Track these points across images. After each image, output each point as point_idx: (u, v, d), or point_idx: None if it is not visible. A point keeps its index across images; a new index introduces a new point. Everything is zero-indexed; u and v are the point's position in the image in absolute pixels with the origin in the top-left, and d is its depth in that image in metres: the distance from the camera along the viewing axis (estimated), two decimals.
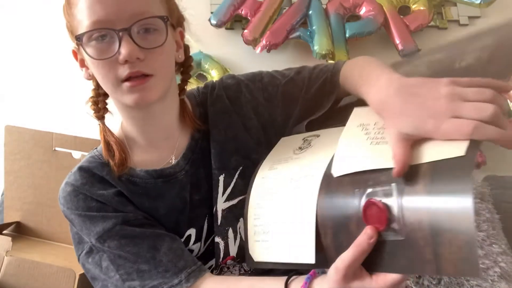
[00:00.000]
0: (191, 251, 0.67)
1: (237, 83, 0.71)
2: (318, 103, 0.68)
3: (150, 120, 0.63)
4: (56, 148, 1.13)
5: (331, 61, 1.52)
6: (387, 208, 0.41)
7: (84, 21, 0.53)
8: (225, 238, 0.66)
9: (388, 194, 0.42)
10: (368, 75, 0.55)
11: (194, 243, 0.67)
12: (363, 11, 1.57)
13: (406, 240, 0.40)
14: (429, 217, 0.38)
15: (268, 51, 1.51)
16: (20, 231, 1.14)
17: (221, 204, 0.66)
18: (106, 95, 0.65)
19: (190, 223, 0.66)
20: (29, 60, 1.60)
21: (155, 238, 0.60)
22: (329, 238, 0.48)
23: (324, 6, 1.58)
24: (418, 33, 1.59)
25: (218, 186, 0.66)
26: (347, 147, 0.51)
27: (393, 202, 0.41)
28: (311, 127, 0.68)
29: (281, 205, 0.55)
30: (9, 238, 0.93)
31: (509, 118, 1.49)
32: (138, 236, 0.60)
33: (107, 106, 0.66)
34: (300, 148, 0.61)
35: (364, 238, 0.42)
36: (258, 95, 0.69)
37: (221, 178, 0.66)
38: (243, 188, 0.65)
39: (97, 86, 0.65)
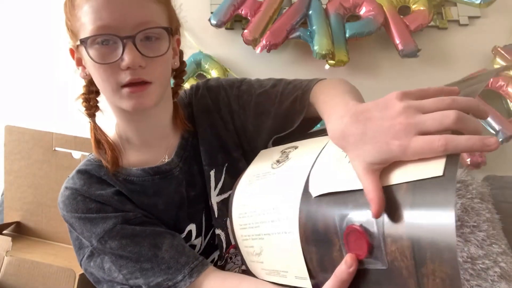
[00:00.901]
0: (194, 246, 0.68)
1: (218, 85, 0.73)
2: (290, 120, 0.66)
3: (144, 122, 0.65)
4: (56, 148, 1.13)
5: (331, 61, 1.52)
6: (368, 234, 0.38)
7: (88, 25, 0.54)
8: (224, 229, 0.68)
9: (368, 219, 0.38)
10: (328, 102, 0.54)
11: (195, 237, 0.68)
12: (363, 11, 1.57)
13: (389, 269, 0.37)
14: (412, 245, 0.35)
15: (268, 51, 1.51)
16: (20, 231, 1.14)
17: (215, 197, 0.68)
18: (97, 93, 0.66)
19: (189, 219, 0.68)
20: (29, 60, 1.61)
21: (155, 236, 0.61)
22: (315, 263, 0.46)
23: (324, 6, 1.58)
24: (418, 33, 1.59)
25: (210, 181, 0.68)
26: (324, 165, 0.48)
27: (373, 228, 0.38)
28: (279, 143, 0.66)
29: (265, 229, 0.53)
30: (9, 238, 0.93)
31: (509, 118, 1.50)
32: (138, 235, 0.60)
33: (98, 104, 0.67)
34: (278, 161, 0.58)
35: (344, 267, 0.39)
36: (233, 101, 0.71)
37: (212, 173, 0.69)
38: (230, 183, 0.67)
39: (89, 84, 0.65)
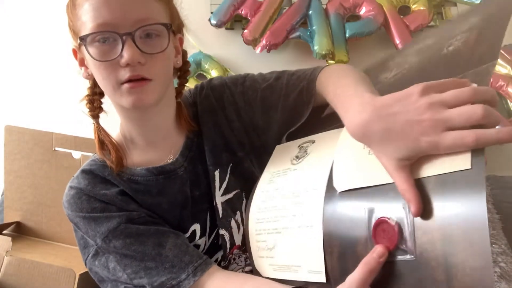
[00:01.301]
0: (198, 246, 0.67)
1: (222, 84, 0.73)
2: (299, 111, 0.67)
3: (148, 121, 0.65)
4: (56, 148, 1.13)
5: (331, 61, 1.52)
6: (398, 226, 0.40)
7: (88, 23, 0.54)
8: (228, 229, 0.68)
9: (398, 212, 0.40)
10: (341, 95, 0.52)
11: (199, 237, 0.68)
12: (363, 11, 1.57)
13: (417, 260, 0.38)
14: (442, 236, 0.36)
15: (268, 51, 1.51)
16: (20, 231, 1.14)
17: (219, 197, 0.68)
18: (101, 95, 0.66)
19: (193, 219, 0.68)
20: (29, 60, 1.61)
21: (159, 235, 0.61)
22: (335, 257, 0.46)
23: (324, 6, 1.58)
24: (418, 33, 1.59)
25: (215, 181, 0.68)
26: (345, 158, 0.49)
27: (404, 220, 0.39)
28: (294, 136, 0.67)
29: (285, 223, 0.54)
30: (9, 238, 0.93)
31: (509, 118, 1.50)
32: (143, 234, 0.60)
33: (102, 106, 0.68)
34: (297, 157, 0.59)
35: (374, 256, 0.40)
36: (238, 98, 0.71)
37: (217, 173, 0.69)
38: (235, 183, 0.68)
39: (93, 85, 0.66)
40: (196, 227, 0.67)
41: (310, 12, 1.56)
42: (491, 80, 1.51)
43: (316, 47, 1.49)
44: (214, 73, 1.55)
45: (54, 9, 1.65)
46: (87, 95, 0.67)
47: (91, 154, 1.11)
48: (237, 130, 0.71)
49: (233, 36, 1.62)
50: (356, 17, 1.60)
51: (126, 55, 0.53)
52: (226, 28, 1.61)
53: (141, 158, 0.67)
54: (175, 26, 0.63)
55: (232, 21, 1.59)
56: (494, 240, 1.15)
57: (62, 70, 1.59)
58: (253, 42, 1.52)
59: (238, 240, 0.68)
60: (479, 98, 0.37)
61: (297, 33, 1.54)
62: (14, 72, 1.60)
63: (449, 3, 1.66)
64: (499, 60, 1.56)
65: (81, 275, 0.86)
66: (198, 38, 1.57)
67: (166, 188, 0.66)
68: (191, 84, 1.55)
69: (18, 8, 1.66)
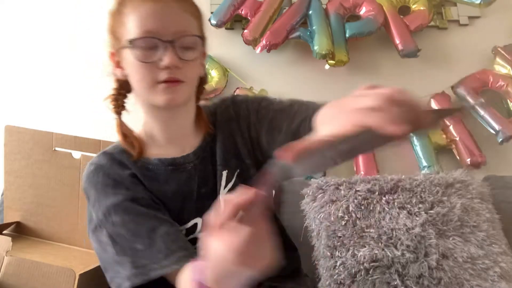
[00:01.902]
0: (196, 239, 0.71)
1: (242, 99, 0.81)
2: (300, 138, 0.68)
3: (171, 120, 0.72)
4: (56, 148, 1.13)
5: (331, 61, 1.52)
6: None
7: (135, 29, 0.64)
8: None
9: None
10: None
11: (200, 231, 0.72)
12: (363, 11, 1.57)
13: None
14: None
15: (268, 51, 1.51)
16: (20, 231, 1.13)
17: (224, 196, 0.69)
18: (125, 95, 0.75)
19: (197, 213, 0.72)
20: (29, 60, 1.61)
21: (155, 220, 0.65)
22: None
23: (324, 6, 1.58)
24: (418, 33, 1.59)
25: (222, 179, 0.74)
26: None
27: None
28: None
29: None
30: (9, 238, 0.93)
31: (509, 118, 1.50)
32: (141, 215, 0.64)
33: (124, 104, 0.76)
34: None
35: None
36: (252, 114, 0.77)
37: (224, 173, 0.74)
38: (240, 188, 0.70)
39: (119, 86, 0.74)
40: (199, 221, 0.72)
41: (310, 12, 1.56)
42: (491, 80, 1.52)
43: (316, 47, 1.49)
44: (214, 73, 1.55)
45: (54, 9, 1.65)
46: (113, 94, 0.75)
47: (91, 154, 1.12)
48: (246, 141, 0.78)
49: (233, 36, 1.62)
50: (356, 17, 1.60)
51: (166, 59, 0.62)
52: (226, 28, 1.61)
53: (157, 152, 0.74)
54: (203, 40, 0.71)
55: (232, 21, 1.59)
56: (494, 240, 1.16)
57: (62, 70, 1.59)
58: (253, 42, 1.52)
59: None
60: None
61: (297, 33, 1.54)
62: (14, 72, 1.60)
63: (449, 3, 1.66)
64: (499, 60, 1.56)
65: (81, 275, 0.86)
66: None
67: (172, 178, 0.72)
68: None
69: (18, 8, 1.66)
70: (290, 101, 0.76)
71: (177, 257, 0.60)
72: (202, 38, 0.69)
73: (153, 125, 0.74)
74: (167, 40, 0.63)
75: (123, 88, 0.74)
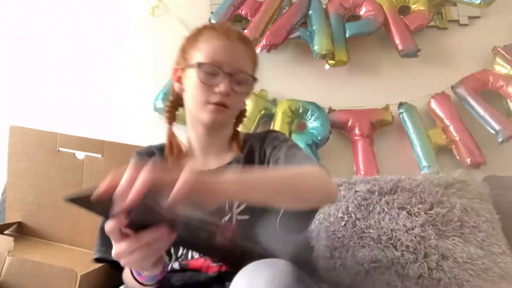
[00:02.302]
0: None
1: (274, 134, 0.88)
2: None
3: (209, 137, 0.83)
4: (60, 149, 1.13)
5: (331, 61, 1.52)
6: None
7: (205, 55, 0.77)
8: None
9: None
10: None
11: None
12: (363, 11, 1.58)
13: None
14: None
15: (268, 51, 1.51)
16: (21, 232, 1.13)
17: (236, 213, 0.77)
18: (177, 108, 0.88)
19: None
20: (34, 61, 1.61)
21: None
22: None
23: (324, 6, 1.59)
24: (418, 33, 1.59)
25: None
26: None
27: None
28: None
29: None
30: (11, 238, 0.93)
31: (509, 118, 1.50)
32: None
33: (176, 116, 0.88)
34: None
35: None
36: (271, 148, 0.83)
37: None
38: (248, 210, 0.77)
39: (175, 100, 0.87)
40: None
41: (310, 12, 1.56)
42: (491, 79, 1.52)
43: (316, 47, 1.49)
44: None
45: (58, 10, 1.65)
46: (168, 106, 0.88)
47: (94, 154, 1.12)
48: (261, 160, 0.84)
49: None
50: (356, 17, 1.60)
51: (222, 87, 0.75)
52: None
53: (193, 162, 0.83)
54: (254, 80, 0.84)
55: (232, 21, 1.59)
56: (494, 240, 1.16)
57: (66, 71, 1.60)
58: (253, 42, 1.52)
59: None
60: None
61: (297, 33, 1.54)
62: (18, 72, 1.60)
63: (449, 3, 1.67)
64: (499, 60, 1.56)
65: (82, 276, 0.86)
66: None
67: None
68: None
69: (21, 8, 1.66)
70: (303, 154, 0.79)
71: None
72: (254, 78, 0.81)
73: (193, 138, 0.85)
74: (227, 72, 0.76)
75: (176, 102, 0.87)
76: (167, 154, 0.85)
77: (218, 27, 0.81)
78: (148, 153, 0.87)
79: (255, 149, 0.85)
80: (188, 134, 0.86)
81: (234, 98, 0.78)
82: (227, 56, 0.77)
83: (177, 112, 0.88)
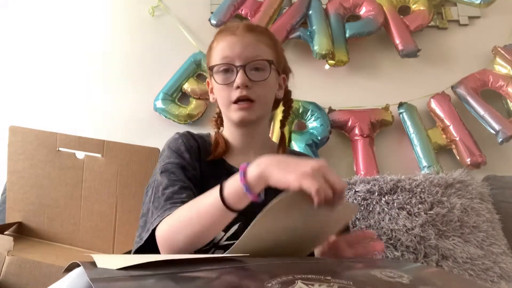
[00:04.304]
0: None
1: None
2: None
3: (245, 137, 0.82)
4: (60, 149, 1.13)
5: (331, 61, 1.52)
6: None
7: (215, 58, 0.78)
8: None
9: None
10: None
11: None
12: (363, 11, 1.58)
13: None
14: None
15: None
16: (21, 232, 1.14)
17: (223, 242, 0.73)
18: (222, 118, 0.87)
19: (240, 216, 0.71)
20: (33, 61, 1.61)
21: (189, 190, 0.71)
22: None
23: (324, 6, 1.59)
24: (418, 33, 1.59)
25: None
26: None
27: None
28: None
29: None
30: (11, 238, 0.93)
31: (509, 118, 1.50)
32: (180, 181, 0.72)
33: (223, 122, 0.87)
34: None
35: None
36: None
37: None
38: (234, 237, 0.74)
39: (219, 110, 0.85)
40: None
41: (310, 12, 1.56)
42: (491, 80, 1.52)
43: (316, 47, 1.49)
44: None
45: (58, 10, 1.65)
46: (215, 116, 0.89)
47: (94, 154, 1.12)
48: None
49: None
50: (356, 17, 1.60)
51: (238, 80, 0.74)
52: None
53: (229, 159, 0.82)
54: (280, 68, 0.83)
55: (232, 21, 1.59)
56: (494, 240, 1.16)
57: (66, 71, 1.59)
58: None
59: None
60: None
61: (297, 33, 1.54)
62: (18, 72, 1.60)
63: (449, 3, 1.67)
64: (499, 60, 1.56)
65: None
66: (198, 38, 1.57)
67: (221, 180, 0.71)
68: (191, 84, 1.56)
69: (21, 9, 1.66)
70: None
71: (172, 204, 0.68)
72: (270, 62, 0.78)
73: (230, 137, 0.84)
74: (239, 65, 0.75)
75: (219, 109, 0.86)
76: (212, 150, 0.82)
77: (226, 28, 0.81)
78: (195, 138, 0.84)
79: None
80: (226, 135, 0.85)
81: (256, 88, 0.76)
82: (234, 49, 0.76)
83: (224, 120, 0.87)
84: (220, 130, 0.86)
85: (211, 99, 0.85)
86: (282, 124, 0.89)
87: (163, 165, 0.75)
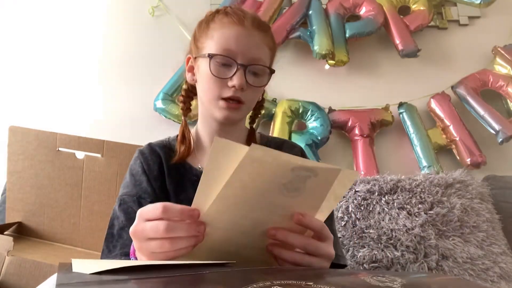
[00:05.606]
0: None
1: (289, 143, 0.86)
2: None
3: (222, 133, 0.77)
4: (60, 149, 1.13)
5: (331, 61, 1.52)
6: None
7: (217, 45, 0.70)
8: None
9: None
10: None
11: None
12: (363, 11, 1.58)
13: None
14: None
15: None
16: (21, 232, 1.14)
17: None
18: (192, 98, 0.82)
19: None
20: (33, 61, 1.61)
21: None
22: None
23: (324, 6, 1.59)
24: (418, 33, 1.59)
25: None
26: None
27: None
28: None
29: None
30: (11, 238, 0.93)
31: (509, 118, 1.50)
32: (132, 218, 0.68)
33: (191, 107, 0.82)
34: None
35: None
36: None
37: None
38: None
39: (188, 90, 0.80)
40: None
41: (310, 12, 1.56)
42: (491, 80, 1.52)
43: (316, 47, 1.49)
44: None
45: (58, 10, 1.65)
46: (182, 95, 0.82)
47: (94, 154, 1.12)
48: None
49: None
50: (356, 17, 1.60)
51: (236, 81, 0.68)
52: None
53: (200, 158, 0.78)
54: (271, 72, 0.78)
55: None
56: (494, 240, 1.16)
57: (66, 71, 1.60)
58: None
59: None
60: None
61: (297, 33, 1.54)
62: (18, 72, 1.60)
63: (449, 3, 1.67)
64: (499, 60, 1.56)
65: None
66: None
67: (194, 188, 0.66)
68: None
69: (21, 9, 1.67)
70: None
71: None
72: (271, 71, 0.74)
73: (204, 133, 0.79)
74: (242, 63, 0.69)
75: (191, 92, 0.80)
76: (177, 147, 0.78)
77: (232, 12, 0.72)
78: (156, 152, 0.79)
79: None
80: (198, 128, 0.80)
81: (249, 92, 0.71)
82: (241, 45, 0.69)
83: (191, 103, 0.82)
84: (187, 116, 0.80)
85: (188, 79, 0.78)
86: (252, 120, 0.85)
87: (121, 195, 0.73)
